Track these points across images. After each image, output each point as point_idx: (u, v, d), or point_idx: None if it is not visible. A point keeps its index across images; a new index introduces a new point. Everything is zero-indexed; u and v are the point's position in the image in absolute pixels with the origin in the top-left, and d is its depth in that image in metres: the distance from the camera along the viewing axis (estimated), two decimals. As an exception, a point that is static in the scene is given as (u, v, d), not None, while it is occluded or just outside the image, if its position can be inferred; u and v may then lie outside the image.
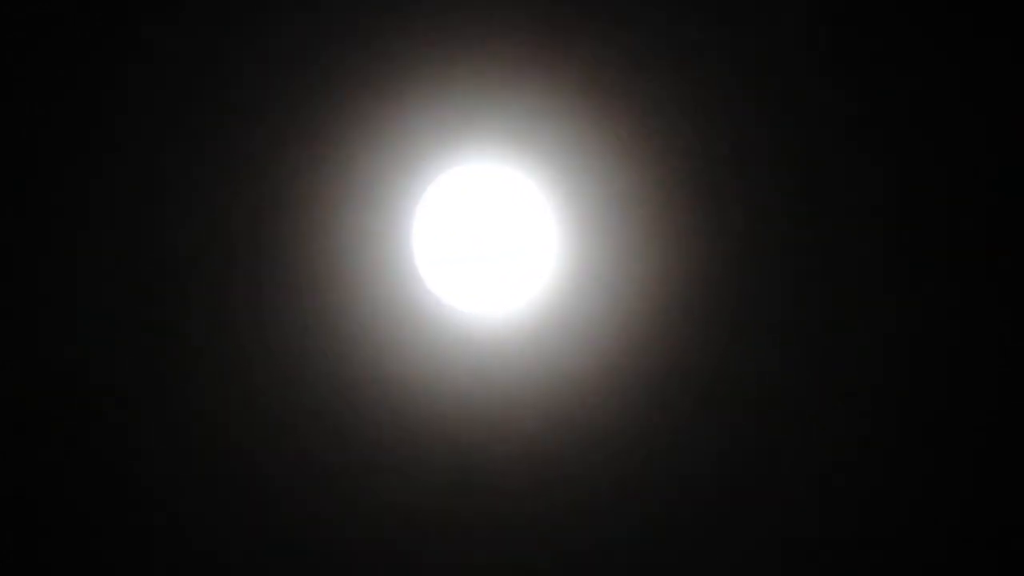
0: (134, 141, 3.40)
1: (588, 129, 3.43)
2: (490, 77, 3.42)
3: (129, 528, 3.36)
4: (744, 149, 3.43)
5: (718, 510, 3.41)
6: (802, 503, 3.39)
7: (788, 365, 3.40)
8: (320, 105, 3.45)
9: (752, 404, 3.42)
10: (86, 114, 3.39)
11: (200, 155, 3.41)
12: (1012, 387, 3.38)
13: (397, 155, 3.46)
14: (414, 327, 3.45)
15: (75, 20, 3.31)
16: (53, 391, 3.33)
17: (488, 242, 3.43)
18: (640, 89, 3.44)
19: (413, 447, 3.43)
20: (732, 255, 3.44)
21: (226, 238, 3.39)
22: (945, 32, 3.38)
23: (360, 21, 3.45)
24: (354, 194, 3.45)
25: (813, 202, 3.43)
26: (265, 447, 3.41)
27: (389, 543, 3.39)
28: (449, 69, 3.43)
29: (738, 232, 3.44)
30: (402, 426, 3.43)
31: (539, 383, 3.46)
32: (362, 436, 3.44)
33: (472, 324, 3.45)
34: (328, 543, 3.39)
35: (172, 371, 3.39)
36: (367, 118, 3.45)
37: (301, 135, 3.45)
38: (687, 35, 3.41)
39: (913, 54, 3.37)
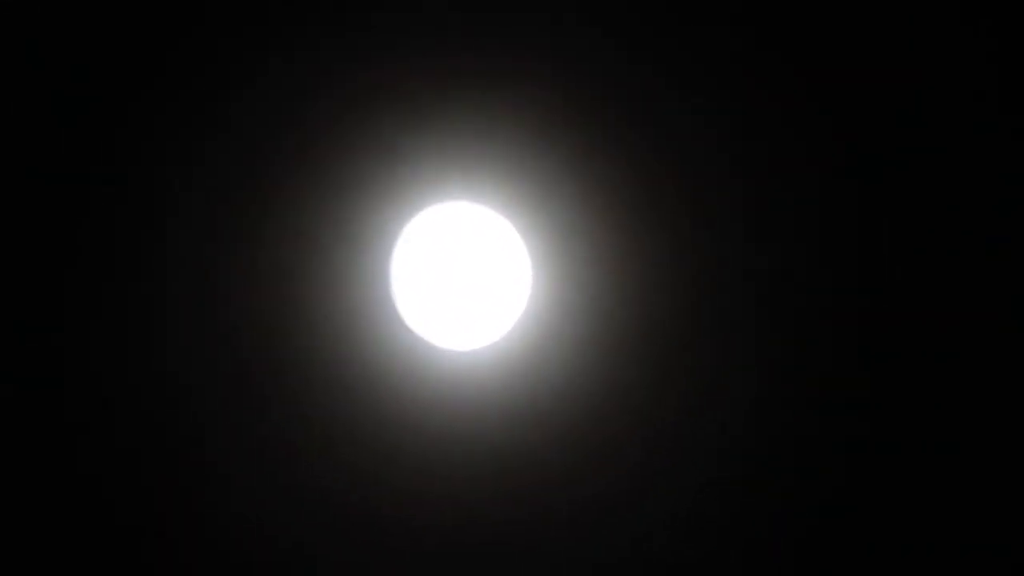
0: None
1: (565, 169, 3.41)
2: (468, 115, 3.40)
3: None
4: (724, 196, 3.41)
5: (693, 549, 3.44)
6: (780, 561, 3.42)
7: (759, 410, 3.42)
8: (296, 144, 3.43)
9: (725, 440, 3.45)
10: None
11: (179, 200, 3.42)
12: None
13: (374, 194, 3.44)
14: (393, 365, 3.46)
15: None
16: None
17: (466, 279, 3.43)
18: (617, 128, 3.41)
19: (396, 486, 3.47)
20: (705, 296, 3.42)
21: (201, 276, 3.39)
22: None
23: (333, 61, 3.40)
24: (331, 232, 3.43)
25: (790, 250, 3.41)
26: (250, 487, 3.45)
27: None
28: (426, 106, 3.40)
29: (712, 276, 3.43)
30: (382, 464, 3.47)
31: (515, 418, 3.48)
32: (342, 477, 3.47)
33: (451, 360, 3.47)
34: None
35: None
36: (344, 156, 3.42)
37: (276, 174, 3.43)
38: (667, 85, 3.38)
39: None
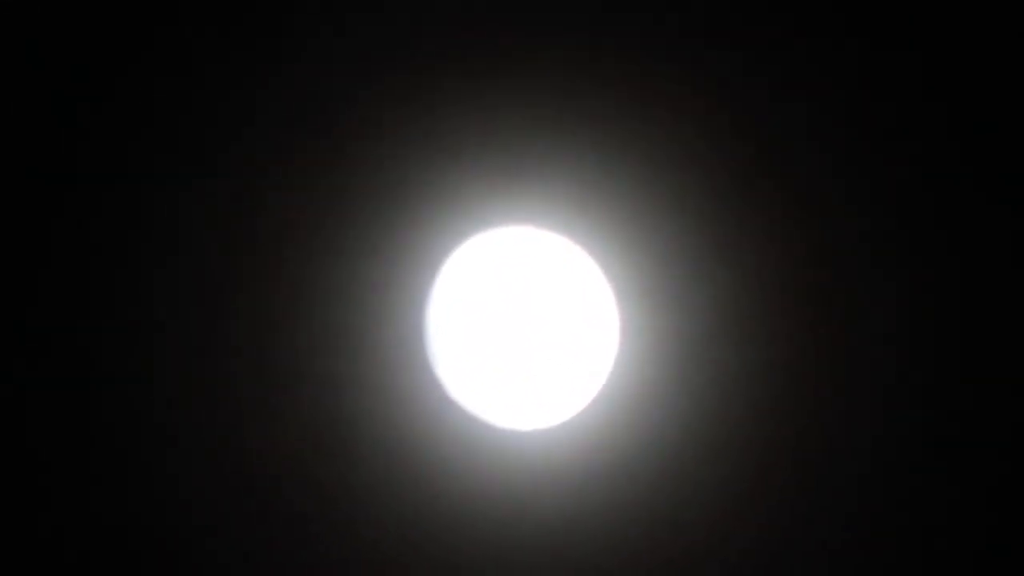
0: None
1: (668, 189, 3.03)
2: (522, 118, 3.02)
3: None
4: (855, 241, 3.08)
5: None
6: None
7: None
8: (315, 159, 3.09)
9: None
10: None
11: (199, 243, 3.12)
12: None
13: (402, 213, 3.06)
14: (436, 449, 3.07)
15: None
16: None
17: (529, 335, 3.01)
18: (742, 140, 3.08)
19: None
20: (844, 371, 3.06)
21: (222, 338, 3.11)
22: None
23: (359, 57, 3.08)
24: (342, 269, 3.07)
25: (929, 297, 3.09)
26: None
27: None
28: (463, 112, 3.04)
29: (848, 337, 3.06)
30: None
31: (594, 516, 3.06)
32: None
33: (511, 444, 3.07)
34: None
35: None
36: (365, 181, 3.06)
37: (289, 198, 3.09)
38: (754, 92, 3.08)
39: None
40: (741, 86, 3.05)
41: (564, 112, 3.01)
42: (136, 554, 3.08)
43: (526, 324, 3.01)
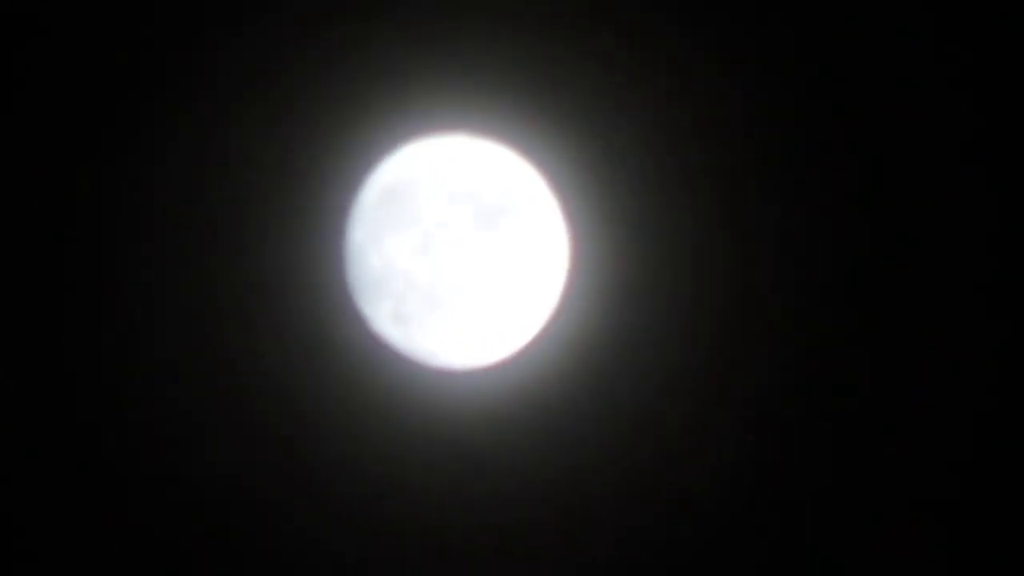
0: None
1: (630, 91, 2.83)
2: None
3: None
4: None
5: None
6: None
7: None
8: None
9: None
10: None
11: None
12: None
13: (320, 120, 2.86)
14: (363, 390, 2.94)
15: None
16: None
17: (465, 261, 2.82)
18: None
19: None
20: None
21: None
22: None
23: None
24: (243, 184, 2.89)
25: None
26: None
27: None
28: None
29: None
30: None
31: (537, 464, 2.90)
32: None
33: (445, 385, 2.93)
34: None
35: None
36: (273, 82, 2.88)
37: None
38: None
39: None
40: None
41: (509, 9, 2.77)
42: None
43: (463, 248, 2.82)
